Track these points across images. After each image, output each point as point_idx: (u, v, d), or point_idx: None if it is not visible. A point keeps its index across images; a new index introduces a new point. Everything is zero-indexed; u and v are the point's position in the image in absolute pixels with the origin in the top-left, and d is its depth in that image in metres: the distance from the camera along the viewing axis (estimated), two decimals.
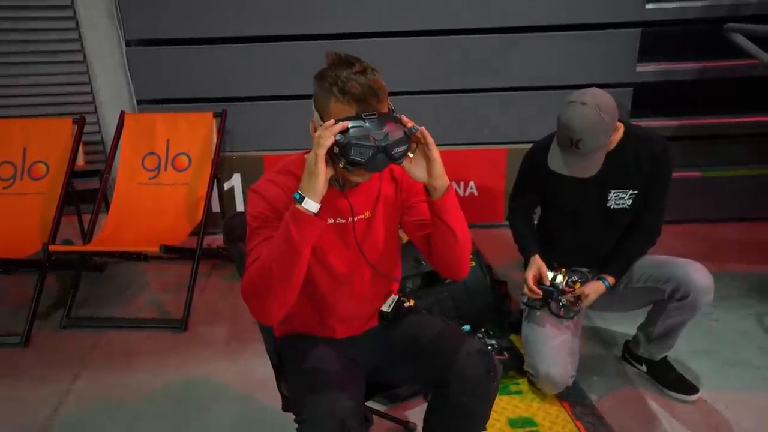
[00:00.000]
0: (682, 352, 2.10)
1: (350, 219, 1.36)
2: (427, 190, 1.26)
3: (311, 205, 1.14)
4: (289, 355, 1.43)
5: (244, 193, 3.31)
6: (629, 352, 2.11)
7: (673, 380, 1.98)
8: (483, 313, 2.24)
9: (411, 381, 1.56)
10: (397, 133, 1.15)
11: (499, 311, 2.29)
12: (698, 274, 1.80)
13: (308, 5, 3.02)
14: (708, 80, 3.11)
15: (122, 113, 2.93)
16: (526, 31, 3.08)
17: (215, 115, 2.92)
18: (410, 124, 1.18)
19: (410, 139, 1.18)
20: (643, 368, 2.06)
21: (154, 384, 2.14)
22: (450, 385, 1.28)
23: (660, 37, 3.09)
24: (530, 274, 1.92)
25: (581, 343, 2.03)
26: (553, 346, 1.93)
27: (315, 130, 1.24)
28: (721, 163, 3.28)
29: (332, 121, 1.13)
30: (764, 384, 2.03)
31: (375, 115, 1.15)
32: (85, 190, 2.98)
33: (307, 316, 1.42)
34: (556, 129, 1.78)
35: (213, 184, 2.79)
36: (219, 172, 2.91)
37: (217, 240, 3.17)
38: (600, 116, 1.68)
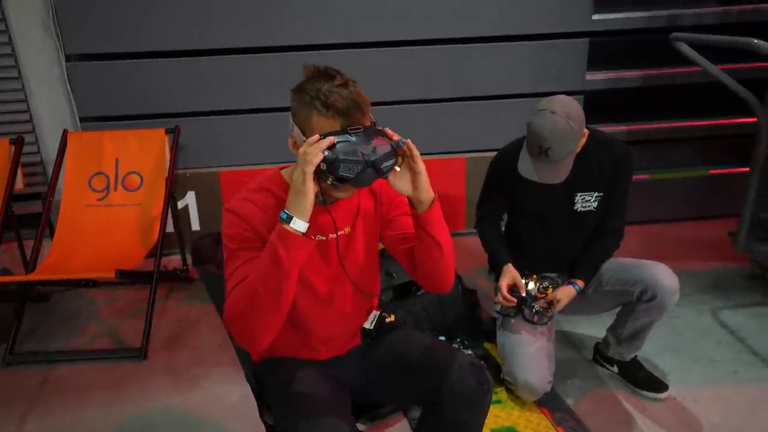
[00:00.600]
0: (648, 350, 2.15)
1: (331, 235, 1.31)
2: (412, 203, 1.23)
3: (300, 225, 1.10)
4: (271, 381, 1.36)
5: (199, 211, 3.19)
6: (600, 354, 2.15)
7: (643, 379, 2.03)
8: (456, 323, 2.23)
9: (399, 399, 1.51)
10: (385, 147, 1.12)
11: (472, 320, 2.29)
12: (664, 275, 1.85)
13: (262, 16, 2.95)
14: (652, 87, 3.25)
15: (65, 132, 2.76)
16: (479, 42, 3.13)
17: (168, 132, 2.80)
18: (396, 137, 1.15)
19: (397, 152, 1.15)
20: (615, 369, 2.10)
21: (115, 419, 2.00)
22: (443, 401, 1.25)
23: (607, 47, 3.21)
24: (504, 283, 1.92)
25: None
26: (530, 353, 1.93)
27: (295, 146, 1.20)
28: (668, 165, 3.44)
29: (317, 136, 1.09)
30: (726, 377, 2.11)
31: (360, 129, 1.12)
32: (25, 215, 2.79)
33: (288, 338, 1.35)
34: (526, 136, 1.80)
35: (168, 204, 2.66)
36: (173, 190, 2.78)
37: (173, 261, 3.04)
38: (569, 125, 1.71)
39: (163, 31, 2.93)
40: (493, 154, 3.25)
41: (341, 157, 1.07)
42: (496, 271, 2.18)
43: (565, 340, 2.35)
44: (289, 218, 1.09)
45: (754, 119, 2.70)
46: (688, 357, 2.22)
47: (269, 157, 3.15)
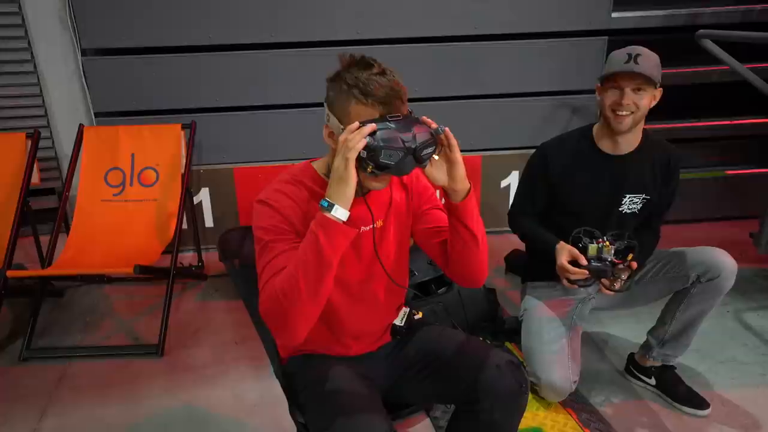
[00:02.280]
0: None
1: (363, 228, 1.29)
2: (447, 193, 1.22)
3: (341, 213, 1.08)
4: (302, 377, 1.33)
5: (212, 207, 3.17)
6: (636, 365, 2.05)
7: (684, 394, 1.94)
8: (477, 321, 2.21)
9: (431, 398, 1.49)
10: (425, 135, 1.11)
11: (493, 319, 2.26)
12: (726, 256, 1.81)
13: (278, 12, 2.94)
14: (669, 86, 3.21)
15: (81, 126, 2.75)
16: (497, 39, 3.11)
17: (184, 127, 2.77)
18: (434, 125, 1.13)
19: (436, 140, 1.13)
20: (652, 382, 2.00)
21: (133, 416, 1.97)
22: (480, 401, 1.22)
23: (626, 45, 3.18)
24: (564, 259, 1.75)
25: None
26: (553, 352, 1.89)
27: (330, 136, 1.18)
28: (683, 166, 3.38)
29: (357, 123, 1.07)
30: (755, 380, 2.08)
31: (400, 116, 1.11)
32: (40, 210, 2.77)
33: (318, 333, 1.32)
34: (609, 59, 1.74)
35: (184, 200, 2.64)
36: (189, 186, 2.76)
37: (187, 258, 3.02)
38: (653, 53, 1.72)
39: (178, 26, 2.91)
40: (510, 153, 3.29)
41: (383, 145, 1.06)
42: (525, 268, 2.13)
43: (591, 345, 2.30)
44: (330, 206, 1.07)
45: None
46: (715, 359, 2.18)
47: (284, 153, 3.13)
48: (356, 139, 1.05)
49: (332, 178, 1.08)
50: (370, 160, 1.07)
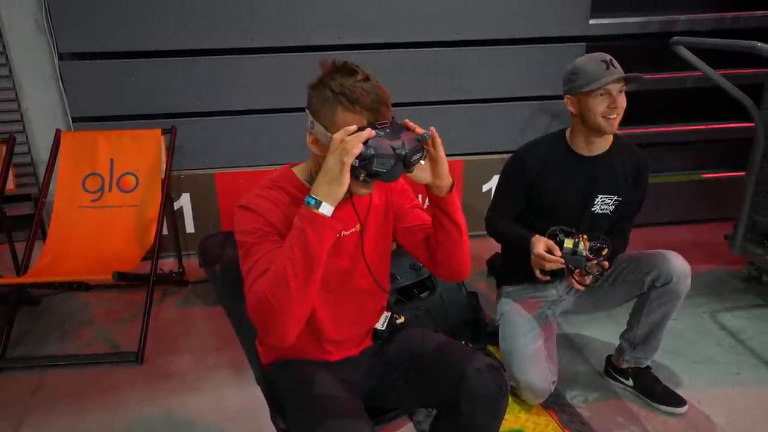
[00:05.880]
0: None
1: (344, 232, 1.30)
2: (431, 189, 1.24)
3: (327, 210, 1.08)
4: (283, 383, 1.33)
5: (193, 213, 3.14)
6: (613, 367, 2.09)
7: (661, 393, 1.98)
8: (460, 325, 2.22)
9: (413, 402, 1.49)
10: (413, 141, 1.12)
11: (476, 323, 2.27)
12: (677, 259, 1.85)
13: (259, 17, 2.93)
14: (646, 92, 3.28)
15: (58, 131, 2.70)
16: (476, 45, 3.14)
17: (164, 132, 2.75)
18: (420, 130, 1.15)
19: (423, 146, 1.15)
20: (629, 383, 2.04)
21: (113, 425, 1.94)
22: (460, 404, 1.23)
23: (603, 51, 3.23)
24: (540, 249, 1.77)
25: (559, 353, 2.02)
26: (528, 354, 1.91)
27: (315, 142, 1.18)
28: (661, 169, 3.47)
29: (354, 126, 1.07)
30: (729, 379, 2.12)
31: (387, 123, 1.11)
32: (15, 217, 2.73)
33: (301, 339, 1.31)
34: (582, 71, 1.77)
35: (165, 205, 2.62)
36: (169, 191, 2.73)
37: (167, 264, 2.99)
38: None
39: (156, 30, 2.89)
40: (490, 157, 3.32)
41: (374, 153, 1.06)
42: (501, 272, 2.16)
43: (569, 345, 2.34)
44: (318, 203, 1.07)
45: (747, 124, 2.73)
46: (690, 359, 2.23)
47: (265, 158, 3.13)
48: (354, 143, 1.04)
49: (323, 178, 1.07)
50: (362, 169, 1.07)
